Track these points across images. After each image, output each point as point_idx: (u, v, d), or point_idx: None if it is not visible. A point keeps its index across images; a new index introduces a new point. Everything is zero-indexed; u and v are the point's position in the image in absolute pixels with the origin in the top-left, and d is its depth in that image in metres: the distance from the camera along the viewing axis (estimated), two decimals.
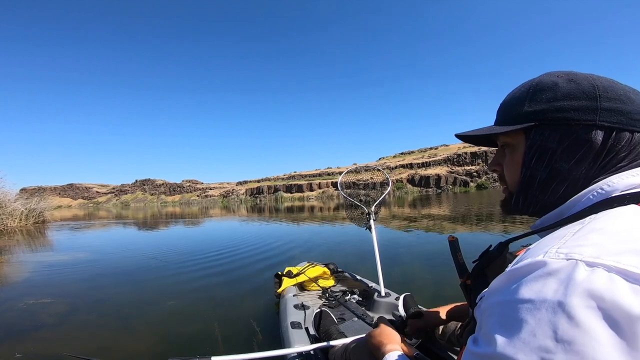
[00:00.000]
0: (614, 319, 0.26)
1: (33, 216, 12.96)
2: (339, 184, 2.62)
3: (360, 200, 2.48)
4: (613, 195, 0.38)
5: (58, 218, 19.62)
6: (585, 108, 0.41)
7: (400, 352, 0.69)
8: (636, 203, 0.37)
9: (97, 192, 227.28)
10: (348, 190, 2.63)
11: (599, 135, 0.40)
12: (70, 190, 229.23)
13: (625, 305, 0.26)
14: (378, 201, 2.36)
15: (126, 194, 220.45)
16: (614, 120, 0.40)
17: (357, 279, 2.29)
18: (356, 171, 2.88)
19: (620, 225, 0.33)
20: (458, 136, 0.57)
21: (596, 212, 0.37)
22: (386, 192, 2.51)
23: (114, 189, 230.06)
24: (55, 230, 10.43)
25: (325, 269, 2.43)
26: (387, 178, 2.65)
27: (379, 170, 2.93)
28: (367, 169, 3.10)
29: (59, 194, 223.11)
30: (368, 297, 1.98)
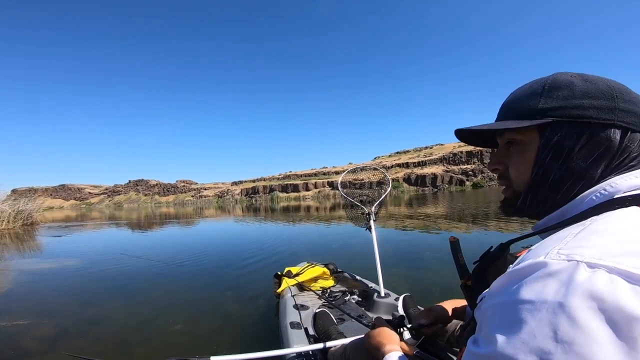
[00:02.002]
0: (615, 321, 0.26)
1: (21, 218, 12.59)
2: (339, 184, 2.62)
3: (360, 201, 2.47)
4: (615, 196, 0.38)
5: (49, 219, 19.29)
6: (604, 107, 0.41)
7: (400, 353, 0.68)
8: (638, 205, 0.37)
9: (89, 193, 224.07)
10: (348, 190, 2.63)
11: (617, 135, 0.41)
12: (62, 191, 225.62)
13: (626, 307, 0.26)
14: (378, 201, 2.37)
15: (119, 194, 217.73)
16: (629, 120, 0.41)
17: (357, 279, 2.29)
18: (356, 171, 2.88)
19: (621, 226, 0.33)
20: (457, 132, 0.55)
21: (598, 214, 0.37)
22: (386, 192, 2.51)
23: (106, 189, 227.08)
24: (44, 233, 10.06)
25: (325, 269, 2.43)
26: (387, 178, 2.65)
27: (378, 170, 2.94)
28: (366, 168, 3.11)
29: (51, 195, 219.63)
30: (368, 298, 1.98)
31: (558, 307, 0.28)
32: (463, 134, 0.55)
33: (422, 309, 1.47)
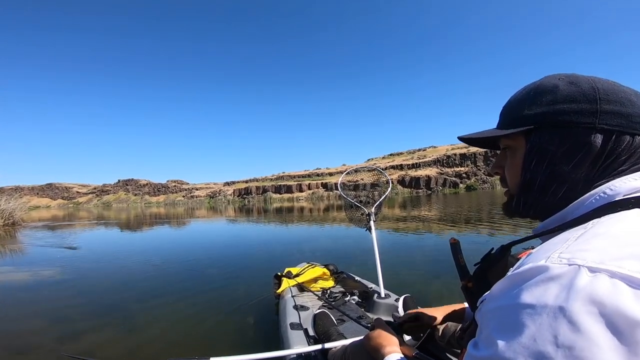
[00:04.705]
0: (616, 325, 0.26)
1: (2, 217, 11.97)
2: (339, 185, 2.61)
3: (360, 201, 2.47)
4: (616, 199, 0.38)
5: (35, 219, 18.76)
6: (585, 111, 0.41)
7: (399, 355, 0.67)
8: (639, 207, 0.36)
9: (77, 192, 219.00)
10: (347, 191, 2.63)
11: (598, 139, 0.40)
12: (49, 190, 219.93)
13: (628, 312, 0.26)
14: (378, 202, 2.37)
15: (108, 194, 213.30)
16: (613, 123, 0.40)
17: (357, 280, 2.29)
18: (355, 172, 2.88)
19: (624, 229, 0.33)
20: (461, 138, 0.56)
21: (599, 216, 0.37)
22: (386, 193, 2.52)
23: (95, 189, 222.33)
24: (25, 235, 9.45)
25: (325, 270, 2.43)
26: (387, 179, 2.66)
27: (377, 171, 2.95)
28: (366, 169, 3.11)
29: (37, 194, 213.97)
30: (368, 298, 1.98)
31: (559, 311, 0.28)
32: (468, 140, 0.57)
33: (420, 309, 1.49)
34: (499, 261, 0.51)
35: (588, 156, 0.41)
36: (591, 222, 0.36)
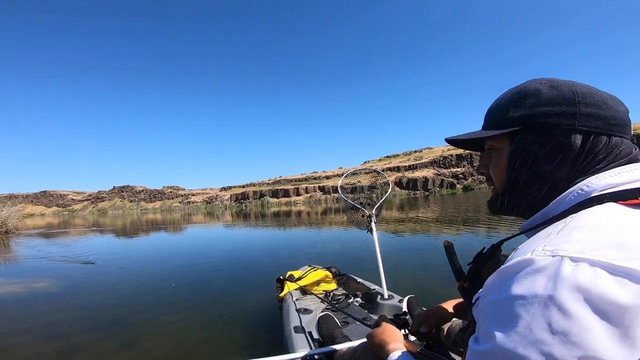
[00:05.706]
0: (602, 310, 0.28)
1: None
2: (339, 187, 2.63)
3: (361, 203, 2.49)
4: (592, 195, 0.41)
5: (30, 227, 18.50)
6: (566, 113, 0.44)
7: (404, 350, 0.68)
8: (614, 201, 0.39)
9: (72, 199, 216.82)
10: (348, 193, 2.64)
11: (577, 139, 0.43)
12: (43, 197, 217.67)
13: (611, 296, 0.28)
14: (379, 203, 2.38)
15: (103, 201, 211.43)
16: (591, 124, 0.43)
17: (359, 281, 2.30)
18: (354, 174, 2.90)
19: (599, 222, 0.35)
20: (448, 140, 0.59)
21: (577, 212, 0.39)
22: (387, 194, 2.54)
23: (90, 196, 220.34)
24: (18, 243, 9.27)
25: (327, 273, 2.43)
26: (388, 180, 2.68)
27: (377, 172, 2.97)
28: (365, 171, 3.14)
29: (32, 201, 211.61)
30: (371, 300, 1.99)
31: (549, 300, 0.30)
32: (454, 141, 0.59)
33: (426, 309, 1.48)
34: (490, 259, 0.52)
35: (569, 156, 0.44)
36: (570, 216, 0.39)
